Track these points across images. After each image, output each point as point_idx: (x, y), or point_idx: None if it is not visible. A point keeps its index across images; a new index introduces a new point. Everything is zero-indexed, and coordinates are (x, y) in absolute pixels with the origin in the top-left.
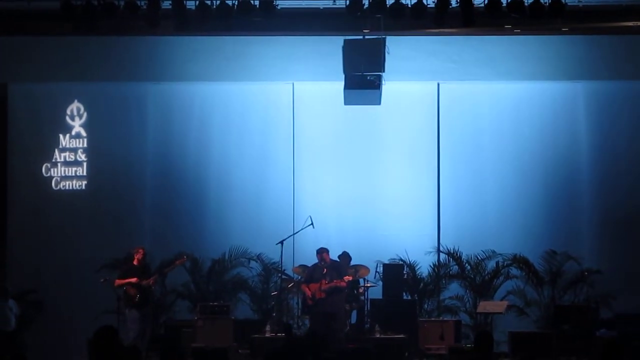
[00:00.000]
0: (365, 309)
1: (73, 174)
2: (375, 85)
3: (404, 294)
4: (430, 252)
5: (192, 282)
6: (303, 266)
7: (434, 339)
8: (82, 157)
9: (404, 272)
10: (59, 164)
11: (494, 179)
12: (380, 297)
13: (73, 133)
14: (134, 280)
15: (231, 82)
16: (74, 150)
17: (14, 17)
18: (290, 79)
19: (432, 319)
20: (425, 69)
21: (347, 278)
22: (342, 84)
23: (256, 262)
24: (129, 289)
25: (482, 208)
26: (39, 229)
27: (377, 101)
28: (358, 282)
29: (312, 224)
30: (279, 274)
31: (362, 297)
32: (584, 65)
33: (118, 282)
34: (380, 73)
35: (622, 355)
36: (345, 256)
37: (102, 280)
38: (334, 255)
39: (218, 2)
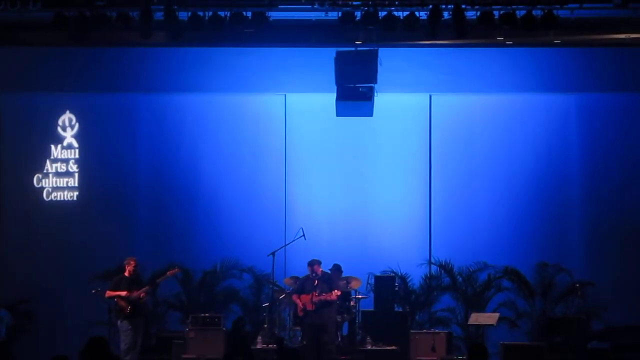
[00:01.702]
0: (357, 320)
1: (64, 185)
2: (367, 96)
3: (396, 305)
4: (422, 264)
5: (183, 293)
6: (295, 277)
7: (425, 350)
8: (73, 167)
9: (396, 284)
10: (50, 175)
11: (485, 191)
12: (372, 308)
13: (65, 144)
14: (123, 293)
15: (223, 93)
16: (66, 161)
17: (6, 27)
18: (282, 90)
19: (424, 330)
20: (418, 80)
21: (337, 293)
22: (334, 95)
23: (248, 273)
24: (119, 300)
25: (473, 220)
26: (30, 239)
27: (370, 113)
28: (349, 294)
29: (303, 235)
30: (271, 286)
31: (354, 309)
32: (576, 77)
33: (109, 293)
34: (372, 85)
35: None
36: (336, 268)
37: (93, 291)
38: (325, 267)
39: (210, 13)
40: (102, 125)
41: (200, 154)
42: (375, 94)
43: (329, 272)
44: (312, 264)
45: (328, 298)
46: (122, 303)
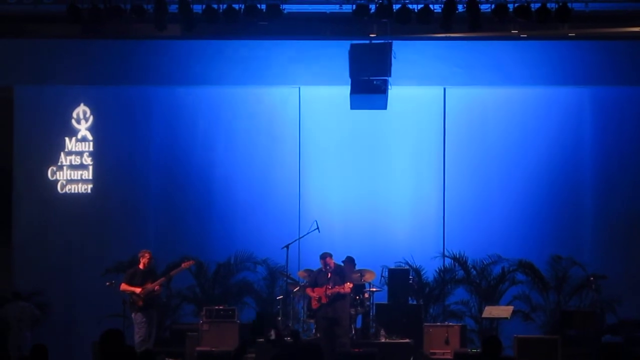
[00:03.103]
0: (371, 313)
1: (79, 178)
2: (381, 89)
3: (410, 298)
4: (436, 256)
5: (197, 285)
6: (308, 270)
7: (439, 343)
8: (87, 160)
9: (410, 277)
10: (64, 167)
11: (499, 184)
12: (386, 301)
13: (79, 136)
14: (138, 290)
15: (237, 86)
16: (80, 153)
17: (21, 20)
18: (296, 83)
19: (438, 323)
20: (432, 73)
21: (349, 285)
22: (348, 88)
23: (262, 266)
24: (133, 293)
25: (487, 213)
26: (45, 232)
27: (383, 106)
28: (363, 287)
29: (317, 228)
30: (285, 278)
31: (368, 302)
32: (590, 71)
33: (123, 286)
34: (386, 77)
35: None
36: (349, 261)
37: (107, 283)
38: (338, 259)
39: (225, 5)
40: (116, 118)
41: (215, 147)
42: (389, 87)
43: (342, 264)
44: (324, 257)
45: (341, 291)
46: (136, 296)
